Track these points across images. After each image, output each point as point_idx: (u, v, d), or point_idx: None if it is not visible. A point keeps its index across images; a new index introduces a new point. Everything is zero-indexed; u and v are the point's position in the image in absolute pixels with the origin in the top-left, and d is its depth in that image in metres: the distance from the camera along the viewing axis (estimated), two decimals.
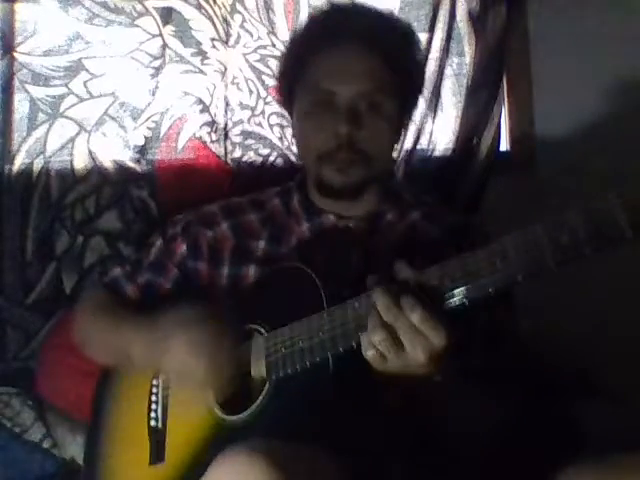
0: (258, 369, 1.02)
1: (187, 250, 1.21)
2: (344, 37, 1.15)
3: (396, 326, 0.84)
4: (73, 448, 1.41)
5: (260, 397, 0.99)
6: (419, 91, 1.28)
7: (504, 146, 1.70)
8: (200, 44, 1.50)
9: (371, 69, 1.14)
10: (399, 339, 0.84)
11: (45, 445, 1.42)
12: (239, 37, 1.54)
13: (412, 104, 1.26)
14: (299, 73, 1.19)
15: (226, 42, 1.52)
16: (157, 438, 1.08)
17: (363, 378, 0.88)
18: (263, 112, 1.55)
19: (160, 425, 1.09)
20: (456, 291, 0.84)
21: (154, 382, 1.12)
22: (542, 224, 0.79)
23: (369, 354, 0.86)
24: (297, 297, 1.00)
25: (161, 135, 1.49)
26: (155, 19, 1.48)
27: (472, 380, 0.92)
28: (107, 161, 1.46)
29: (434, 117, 1.56)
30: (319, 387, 0.93)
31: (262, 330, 1.03)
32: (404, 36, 1.23)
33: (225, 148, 1.52)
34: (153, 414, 1.10)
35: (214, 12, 1.52)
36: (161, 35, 1.48)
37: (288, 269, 1.04)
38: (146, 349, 1.04)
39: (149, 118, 1.47)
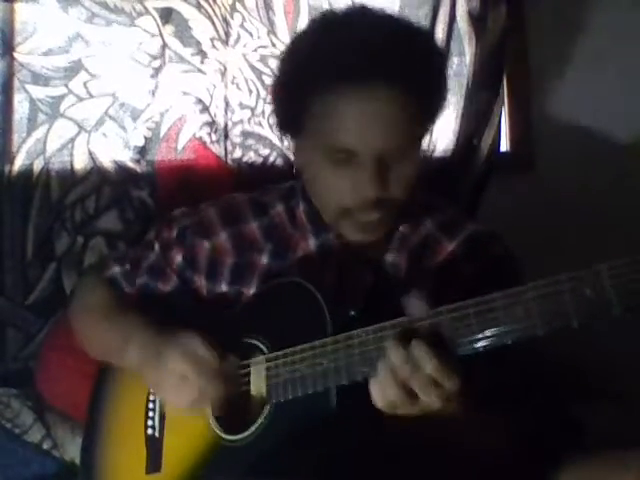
0: (258, 388, 0.99)
1: (183, 261, 1.15)
2: (360, 72, 0.93)
3: (410, 378, 0.81)
4: (73, 449, 1.40)
5: (260, 419, 0.96)
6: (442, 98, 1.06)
7: (504, 146, 1.70)
8: (200, 44, 1.50)
9: (401, 116, 0.96)
10: (413, 390, 0.81)
11: (45, 446, 1.42)
12: (239, 37, 1.53)
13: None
14: (305, 109, 0.99)
15: (226, 42, 1.52)
16: (154, 447, 1.07)
17: (368, 411, 0.84)
18: (263, 112, 1.54)
19: (157, 434, 1.08)
20: (471, 339, 0.79)
21: (151, 389, 1.10)
22: (568, 276, 0.72)
23: (380, 404, 0.83)
24: (300, 316, 0.96)
25: (161, 135, 1.48)
26: (155, 19, 1.48)
27: (479, 401, 0.88)
28: (107, 161, 1.45)
29: None
30: (321, 417, 0.90)
31: (262, 347, 1.00)
32: (429, 53, 1.03)
33: (225, 148, 1.52)
34: (150, 422, 1.09)
35: (214, 12, 1.51)
36: (161, 35, 1.48)
37: (292, 284, 0.99)
38: (139, 360, 1.03)
39: (149, 118, 1.47)
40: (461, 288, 0.97)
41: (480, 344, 0.79)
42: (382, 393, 0.82)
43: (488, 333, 0.78)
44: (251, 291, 1.09)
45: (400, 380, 0.81)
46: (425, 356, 0.80)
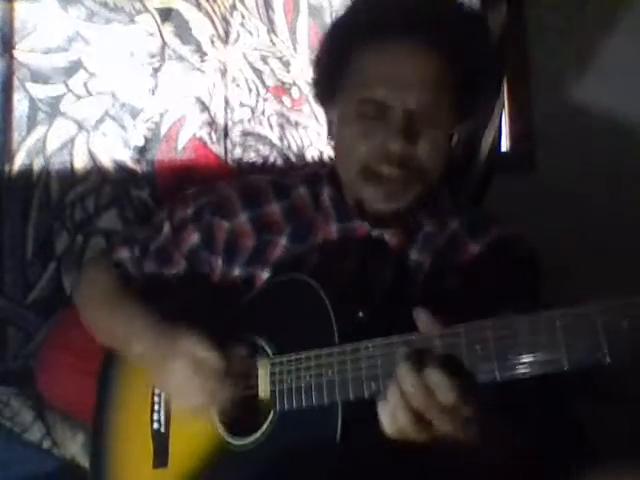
0: (264, 391, 0.96)
1: (200, 241, 1.10)
2: (399, 29, 0.96)
3: (424, 406, 0.76)
4: (73, 447, 1.41)
5: (265, 425, 0.94)
6: (487, 87, 1.05)
7: (504, 146, 1.70)
8: (199, 43, 1.50)
9: (433, 75, 0.96)
10: (426, 417, 0.76)
11: (45, 445, 1.42)
12: (239, 36, 1.54)
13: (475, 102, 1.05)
14: (342, 67, 1.01)
15: (226, 41, 1.52)
16: (160, 442, 1.06)
17: (375, 429, 0.80)
18: (263, 111, 1.55)
19: (163, 429, 1.07)
20: (489, 367, 0.73)
21: (158, 389, 1.09)
22: (599, 305, 0.67)
23: (389, 429, 0.78)
24: (306, 318, 0.93)
25: (161, 135, 1.48)
26: (154, 18, 1.48)
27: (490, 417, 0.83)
28: (107, 161, 1.45)
29: None
30: (326, 429, 0.86)
31: (267, 348, 0.97)
32: (474, 25, 1.03)
33: (225, 148, 1.52)
34: (156, 416, 1.08)
35: (213, 10, 1.51)
36: (160, 34, 1.48)
37: (299, 282, 0.95)
38: (142, 356, 1.02)
39: (149, 118, 1.47)
40: (484, 291, 0.95)
41: (499, 373, 0.73)
42: (392, 418, 0.78)
43: (508, 361, 0.72)
44: (265, 274, 1.06)
45: (412, 406, 0.76)
46: (442, 384, 0.74)
